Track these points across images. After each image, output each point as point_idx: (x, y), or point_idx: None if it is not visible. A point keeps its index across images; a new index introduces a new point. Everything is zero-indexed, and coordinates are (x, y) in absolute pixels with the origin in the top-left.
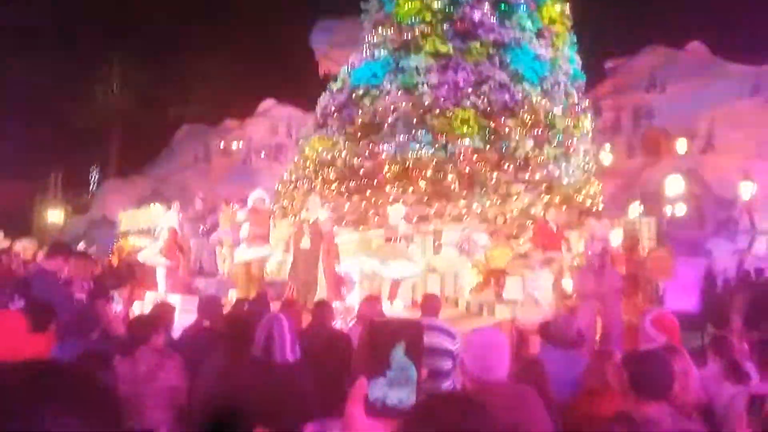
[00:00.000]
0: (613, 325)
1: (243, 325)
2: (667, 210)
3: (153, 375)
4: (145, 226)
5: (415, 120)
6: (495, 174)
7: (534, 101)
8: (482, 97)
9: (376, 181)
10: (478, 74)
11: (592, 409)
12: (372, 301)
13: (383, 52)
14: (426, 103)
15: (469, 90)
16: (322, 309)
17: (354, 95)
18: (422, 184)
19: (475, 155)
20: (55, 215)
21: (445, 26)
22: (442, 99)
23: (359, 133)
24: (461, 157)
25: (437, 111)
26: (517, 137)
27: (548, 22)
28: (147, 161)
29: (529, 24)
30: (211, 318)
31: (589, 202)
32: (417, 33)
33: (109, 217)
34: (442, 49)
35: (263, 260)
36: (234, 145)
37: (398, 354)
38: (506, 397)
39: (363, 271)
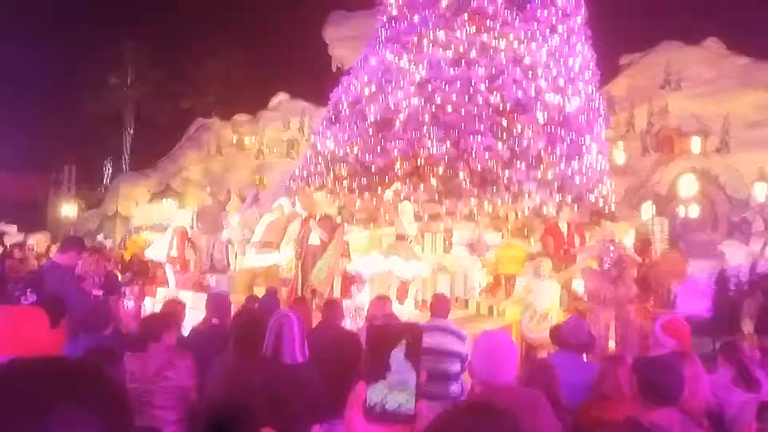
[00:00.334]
0: (629, 331)
1: (253, 323)
2: (680, 211)
3: (163, 373)
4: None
5: (427, 116)
6: (507, 172)
7: (547, 98)
8: (495, 93)
9: (387, 178)
10: (491, 70)
11: (602, 414)
12: (382, 300)
13: (396, 47)
14: (438, 100)
15: (482, 86)
16: (332, 308)
17: (367, 90)
18: (434, 181)
19: (487, 153)
20: (68, 209)
21: (459, 20)
22: (455, 95)
23: (371, 129)
24: (473, 155)
25: (450, 107)
26: (529, 135)
27: (562, 16)
28: (160, 155)
29: (543, 17)
30: (220, 316)
31: (601, 201)
32: (430, 27)
33: (122, 212)
34: (456, 43)
35: (272, 267)
36: (246, 140)
37: (398, 357)
38: (514, 401)
39: (373, 270)
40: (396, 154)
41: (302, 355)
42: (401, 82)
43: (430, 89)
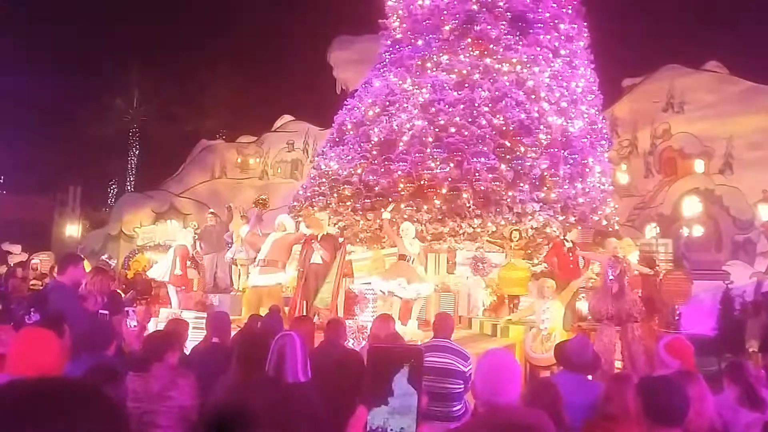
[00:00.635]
0: (633, 350)
1: (255, 342)
2: (684, 231)
3: (166, 393)
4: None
5: (431, 138)
6: (510, 193)
7: (550, 120)
8: (498, 115)
9: (391, 198)
10: (494, 92)
11: None
12: (385, 320)
13: (400, 70)
14: (442, 121)
15: (486, 108)
16: (335, 327)
17: (371, 112)
18: (437, 202)
19: (491, 174)
20: (72, 230)
21: (462, 44)
22: (458, 117)
23: (375, 151)
24: (476, 176)
25: (453, 129)
26: (532, 156)
27: (565, 40)
28: (164, 176)
29: (546, 42)
30: (220, 334)
31: (604, 222)
32: (434, 50)
33: (126, 232)
34: (459, 66)
35: (276, 286)
36: (251, 161)
37: (401, 381)
38: (518, 421)
39: (377, 289)
40: (399, 175)
41: (304, 374)
42: (405, 104)
43: (433, 111)
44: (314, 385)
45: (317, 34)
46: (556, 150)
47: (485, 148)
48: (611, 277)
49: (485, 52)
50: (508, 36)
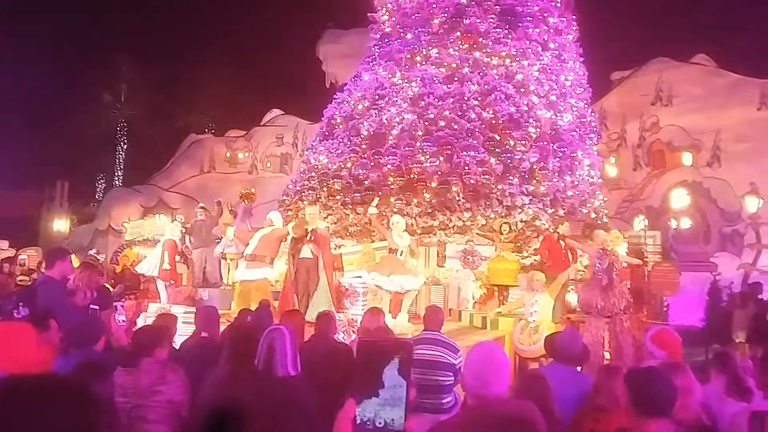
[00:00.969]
0: (622, 341)
1: (245, 337)
2: (672, 223)
3: (155, 388)
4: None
5: (420, 131)
6: (500, 186)
7: (539, 113)
8: (488, 108)
9: (381, 192)
10: (483, 86)
11: (596, 426)
12: (375, 313)
13: (389, 64)
14: (432, 115)
15: (475, 102)
16: (325, 321)
17: (360, 106)
18: (427, 195)
19: (480, 167)
20: (60, 225)
21: (452, 38)
22: (448, 110)
23: (364, 144)
24: (466, 169)
25: (443, 122)
26: (522, 149)
27: (554, 33)
28: (153, 171)
29: (535, 35)
30: (209, 329)
31: (593, 214)
32: (423, 44)
33: (115, 227)
34: (448, 60)
35: (263, 281)
36: (240, 155)
37: (391, 373)
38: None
39: (366, 283)
40: (389, 168)
41: (294, 368)
42: (394, 98)
43: (423, 105)
44: (304, 379)
45: (306, 28)
46: (545, 143)
47: (475, 142)
48: (599, 270)
49: (474, 46)
50: (497, 29)
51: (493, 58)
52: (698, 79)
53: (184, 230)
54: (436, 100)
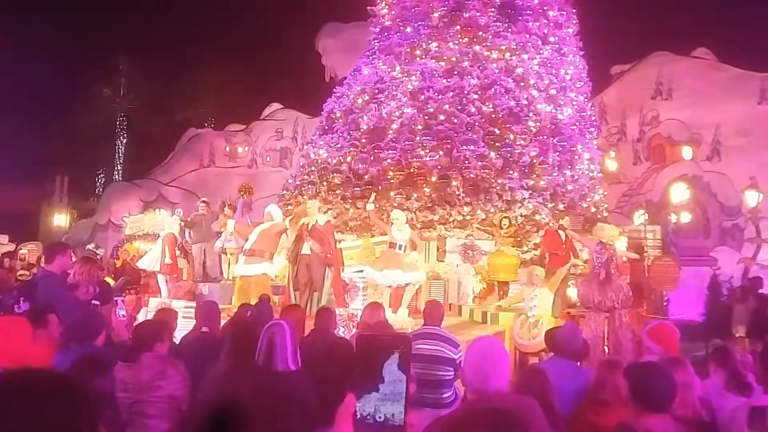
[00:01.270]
0: (621, 336)
1: (245, 331)
2: (672, 218)
3: (155, 383)
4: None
5: (420, 125)
6: (500, 180)
7: (539, 107)
8: (488, 102)
9: (380, 186)
10: (483, 79)
11: (596, 420)
12: (375, 308)
13: (389, 57)
14: (431, 109)
15: (475, 96)
16: (325, 316)
17: (360, 100)
18: (427, 190)
19: (480, 161)
20: (60, 219)
21: (451, 31)
22: (448, 104)
23: (364, 139)
24: (466, 163)
25: (442, 116)
26: (522, 143)
27: (554, 27)
28: (153, 165)
29: (535, 29)
30: (209, 324)
31: (593, 209)
32: (423, 38)
33: (115, 222)
34: (448, 54)
35: (262, 276)
36: (240, 150)
37: (392, 367)
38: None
39: (366, 278)
40: (389, 163)
41: (294, 363)
42: (394, 91)
43: (422, 99)
44: (304, 374)
45: (306, 22)
46: (545, 137)
47: (475, 136)
48: (598, 263)
49: (474, 39)
50: (497, 23)
51: (492, 51)
52: (698, 73)
53: (182, 224)
54: (436, 94)
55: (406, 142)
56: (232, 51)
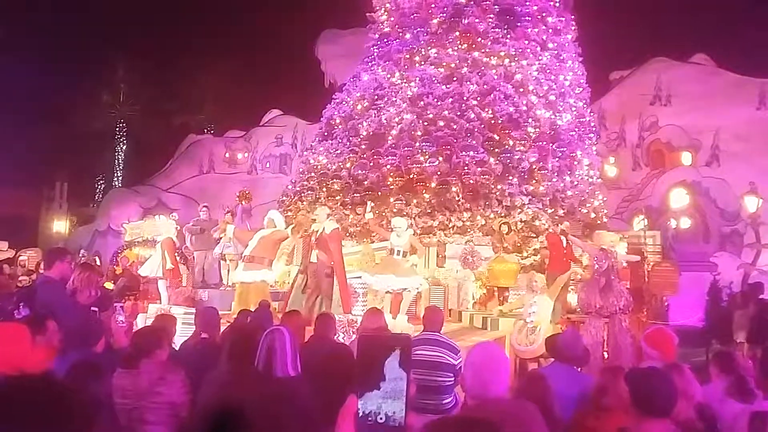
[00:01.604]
0: (620, 341)
1: (245, 337)
2: (672, 223)
3: (155, 389)
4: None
5: (419, 132)
6: (499, 186)
7: (538, 113)
8: (487, 108)
9: (380, 193)
10: (482, 85)
11: (597, 426)
12: (374, 313)
13: (388, 64)
14: (431, 115)
15: (474, 102)
16: (325, 321)
17: (359, 106)
18: (426, 196)
19: (479, 167)
20: (60, 225)
21: (450, 37)
22: (447, 110)
23: (364, 145)
24: (465, 169)
25: (442, 122)
26: (521, 149)
27: (553, 33)
28: (152, 172)
29: (534, 35)
30: (209, 330)
31: (593, 214)
32: (422, 44)
33: (114, 228)
34: (447, 60)
35: (261, 282)
36: (239, 156)
37: (393, 364)
38: (507, 413)
39: (366, 284)
40: (388, 169)
41: (294, 369)
42: (393, 98)
43: (422, 105)
44: (304, 380)
45: (305, 28)
46: (544, 143)
47: (474, 142)
48: (598, 271)
49: (473, 46)
50: (496, 29)
51: (491, 57)
52: (697, 78)
53: (178, 228)
54: (435, 100)
55: (406, 148)
56: (231, 57)
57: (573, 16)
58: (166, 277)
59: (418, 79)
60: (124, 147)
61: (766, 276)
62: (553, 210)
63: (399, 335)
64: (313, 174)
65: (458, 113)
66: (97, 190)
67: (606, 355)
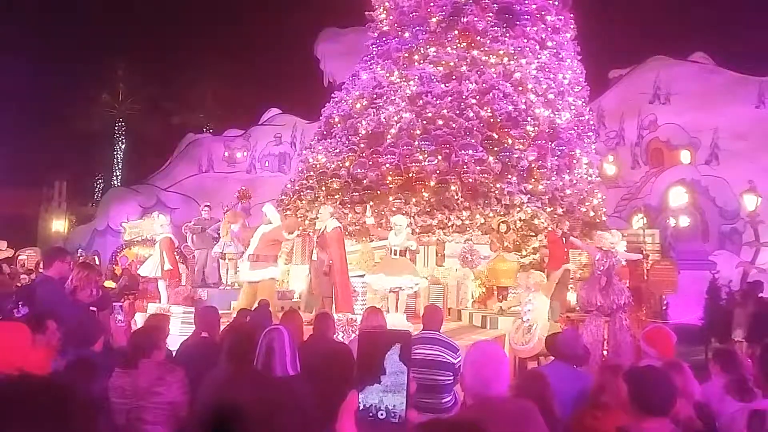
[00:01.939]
0: (620, 339)
1: (244, 337)
2: (671, 222)
3: (154, 389)
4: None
5: (418, 130)
6: (498, 185)
7: (537, 111)
8: (486, 107)
9: (379, 191)
10: (481, 84)
11: (596, 424)
12: (374, 312)
13: (387, 62)
14: (430, 114)
15: (473, 100)
16: (323, 321)
17: (358, 105)
18: (425, 194)
19: (479, 166)
20: (59, 225)
21: (450, 36)
22: (446, 109)
23: (363, 143)
24: (464, 168)
25: (441, 121)
26: (520, 147)
27: (552, 31)
28: (151, 171)
29: (533, 34)
30: (208, 329)
31: (592, 213)
32: (421, 43)
33: (113, 227)
34: (446, 59)
35: (268, 281)
36: (238, 155)
37: (393, 358)
38: (506, 412)
39: (366, 282)
40: (387, 167)
41: (293, 368)
42: (392, 96)
43: (421, 104)
44: (303, 379)
45: (304, 27)
46: (543, 142)
47: (473, 141)
48: (599, 270)
49: (472, 44)
50: (495, 28)
51: (490, 56)
52: (696, 77)
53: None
54: (434, 98)
55: (405, 147)
56: (230, 56)
57: (572, 15)
58: (164, 277)
59: (417, 77)
60: (123, 146)
61: (765, 274)
62: (552, 208)
63: (399, 331)
64: (312, 173)
65: (457, 112)
66: (96, 190)
67: (605, 353)
